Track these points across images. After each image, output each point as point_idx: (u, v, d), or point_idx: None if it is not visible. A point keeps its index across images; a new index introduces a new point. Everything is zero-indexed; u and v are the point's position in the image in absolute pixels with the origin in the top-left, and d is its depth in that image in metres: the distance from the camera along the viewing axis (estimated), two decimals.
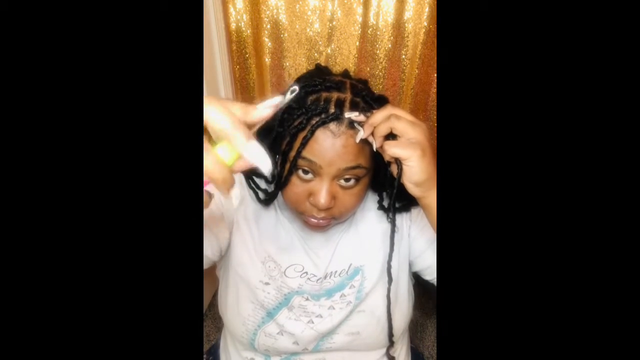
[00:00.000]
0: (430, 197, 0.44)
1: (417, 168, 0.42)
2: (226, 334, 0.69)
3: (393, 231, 0.52)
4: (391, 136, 0.44)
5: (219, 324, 1.36)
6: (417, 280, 0.66)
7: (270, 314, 0.57)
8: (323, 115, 0.45)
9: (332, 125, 0.46)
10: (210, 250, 0.55)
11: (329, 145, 0.46)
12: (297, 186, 0.50)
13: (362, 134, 0.45)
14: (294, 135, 0.47)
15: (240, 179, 0.58)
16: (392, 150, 0.43)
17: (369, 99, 0.48)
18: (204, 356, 0.79)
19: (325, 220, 0.51)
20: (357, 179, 0.49)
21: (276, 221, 0.59)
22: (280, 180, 0.51)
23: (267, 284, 0.57)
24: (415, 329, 1.34)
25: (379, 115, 0.44)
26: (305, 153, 0.47)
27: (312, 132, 0.45)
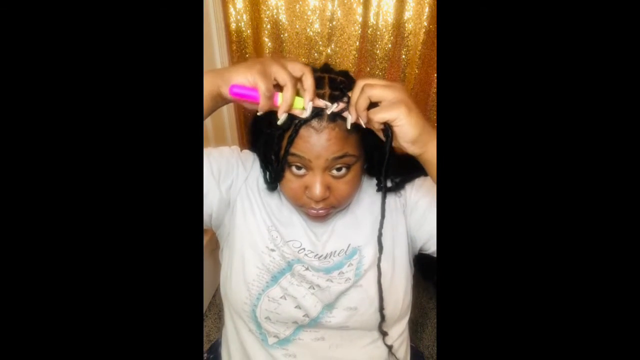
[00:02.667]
0: (429, 152, 0.45)
1: (407, 125, 0.43)
2: (227, 330, 0.70)
3: (384, 198, 0.54)
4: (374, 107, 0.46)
5: (218, 324, 1.36)
6: (416, 270, 0.66)
7: (275, 278, 0.59)
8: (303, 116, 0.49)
9: (314, 122, 0.49)
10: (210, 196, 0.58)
11: (314, 141, 0.49)
12: (292, 182, 0.53)
13: (350, 119, 0.47)
14: (281, 135, 0.51)
15: (254, 156, 0.63)
16: (377, 116, 0.43)
17: (346, 90, 0.50)
18: (205, 355, 0.79)
19: (324, 210, 0.54)
20: (348, 167, 0.52)
21: (279, 198, 0.63)
22: (276, 177, 0.55)
23: (272, 250, 0.60)
24: (415, 328, 1.34)
25: (354, 93, 0.46)
26: (293, 150, 0.50)
27: (297, 132, 0.49)
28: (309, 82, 0.46)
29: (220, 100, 0.48)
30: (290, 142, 0.50)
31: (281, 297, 0.59)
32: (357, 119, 0.46)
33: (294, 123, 0.49)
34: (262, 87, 0.43)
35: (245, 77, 0.44)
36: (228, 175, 0.60)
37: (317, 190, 0.51)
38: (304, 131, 0.49)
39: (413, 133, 0.43)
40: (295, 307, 0.59)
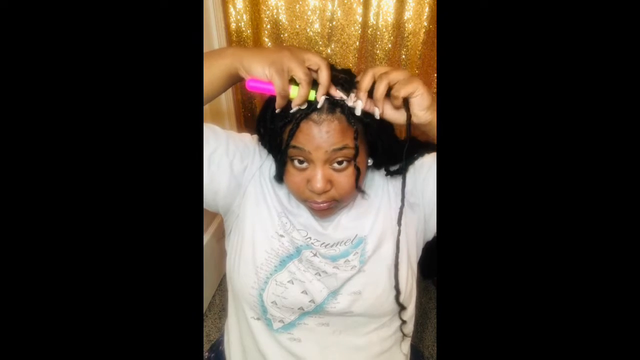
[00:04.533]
0: (434, 115, 0.50)
1: (424, 93, 0.48)
2: (229, 322, 0.71)
3: (404, 180, 0.56)
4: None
5: (219, 324, 1.36)
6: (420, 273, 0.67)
7: (283, 262, 0.61)
8: (304, 108, 0.51)
9: (314, 115, 0.50)
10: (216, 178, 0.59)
11: (314, 133, 0.51)
12: (295, 176, 0.55)
13: (360, 104, 0.50)
14: (282, 129, 0.53)
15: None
16: (401, 91, 0.47)
17: (348, 86, 0.52)
18: (206, 354, 0.79)
19: (326, 203, 0.55)
20: (349, 160, 0.53)
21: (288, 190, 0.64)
22: (279, 170, 0.57)
23: (281, 236, 0.61)
24: (415, 328, 1.34)
25: (365, 79, 0.49)
26: (294, 143, 0.52)
27: (297, 124, 0.51)
28: (324, 76, 0.48)
29: (237, 79, 0.52)
30: (291, 135, 0.51)
31: (288, 281, 0.60)
32: (370, 107, 0.50)
33: (295, 116, 0.50)
34: (278, 86, 0.47)
35: (263, 72, 0.48)
36: (244, 159, 0.61)
37: (318, 182, 0.52)
38: (303, 124, 0.51)
39: (428, 99, 0.48)
40: (302, 292, 0.60)
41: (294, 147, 0.52)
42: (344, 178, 0.54)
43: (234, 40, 1.36)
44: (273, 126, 0.54)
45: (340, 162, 0.53)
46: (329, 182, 0.54)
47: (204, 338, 1.33)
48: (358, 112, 0.50)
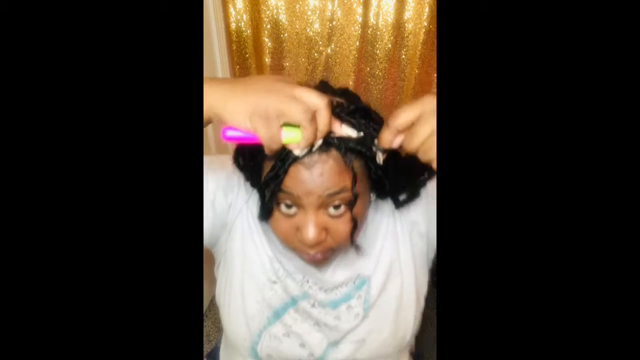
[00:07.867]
0: None
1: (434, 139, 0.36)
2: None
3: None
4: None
5: (218, 324, 1.36)
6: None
7: (277, 314, 0.54)
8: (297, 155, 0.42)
9: (304, 158, 0.42)
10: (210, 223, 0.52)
11: (304, 177, 0.42)
12: (281, 222, 0.46)
13: (381, 156, 0.43)
14: (267, 169, 0.44)
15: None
16: (430, 157, 0.39)
17: (344, 115, 0.42)
18: (204, 359, 0.78)
19: (321, 254, 0.46)
20: (348, 204, 0.44)
21: None
22: (262, 214, 0.47)
23: (274, 282, 0.54)
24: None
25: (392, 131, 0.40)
26: (282, 186, 0.43)
27: (285, 171, 0.42)
28: (324, 120, 0.38)
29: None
30: (279, 182, 0.42)
31: (284, 335, 0.53)
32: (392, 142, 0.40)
33: (285, 162, 0.41)
34: (264, 136, 0.37)
35: (244, 122, 0.37)
36: (227, 194, 0.52)
37: (310, 233, 0.43)
38: (291, 168, 0.42)
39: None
40: (300, 345, 0.54)
41: (282, 190, 0.43)
42: (343, 225, 0.45)
43: (234, 40, 1.36)
44: (253, 163, 0.46)
45: (337, 207, 0.43)
46: (324, 230, 0.44)
47: (204, 338, 1.33)
48: (380, 162, 0.43)
